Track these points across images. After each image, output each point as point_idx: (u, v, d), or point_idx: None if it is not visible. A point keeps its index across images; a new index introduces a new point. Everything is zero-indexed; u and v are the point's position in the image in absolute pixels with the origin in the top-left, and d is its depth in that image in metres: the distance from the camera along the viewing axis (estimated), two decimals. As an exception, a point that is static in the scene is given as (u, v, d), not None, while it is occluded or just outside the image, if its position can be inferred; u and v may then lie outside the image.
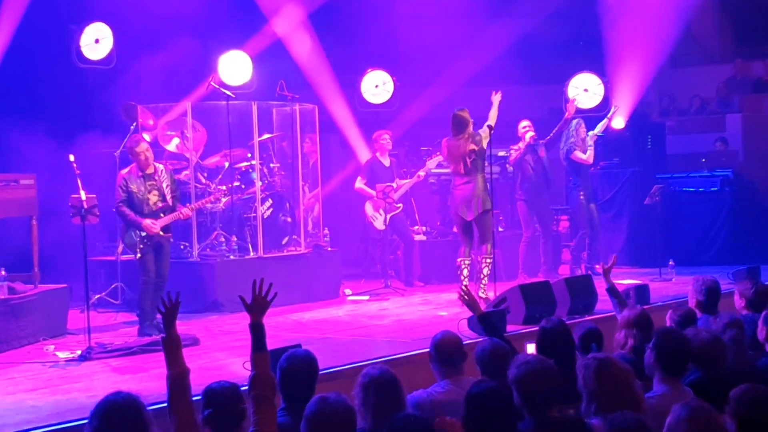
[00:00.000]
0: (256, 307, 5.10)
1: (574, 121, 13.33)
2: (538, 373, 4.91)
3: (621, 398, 4.81)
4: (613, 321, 7.48)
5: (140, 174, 9.86)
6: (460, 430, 4.70)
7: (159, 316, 5.13)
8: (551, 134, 13.14)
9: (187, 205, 10.45)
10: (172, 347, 4.96)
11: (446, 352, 5.90)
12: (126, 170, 9.94)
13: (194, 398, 4.97)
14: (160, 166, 10.11)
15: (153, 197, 9.89)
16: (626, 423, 4.24)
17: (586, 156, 13.32)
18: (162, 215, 9.89)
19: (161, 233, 9.85)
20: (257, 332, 5.08)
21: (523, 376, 4.96)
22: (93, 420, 4.27)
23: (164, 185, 9.96)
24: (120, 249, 9.84)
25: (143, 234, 9.77)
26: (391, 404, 4.96)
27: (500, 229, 12.99)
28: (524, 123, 13.28)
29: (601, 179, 14.83)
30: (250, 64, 13.33)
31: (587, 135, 13.37)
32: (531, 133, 13.08)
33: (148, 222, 9.76)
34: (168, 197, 9.95)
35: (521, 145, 13.16)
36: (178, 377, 4.89)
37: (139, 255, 9.79)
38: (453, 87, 16.50)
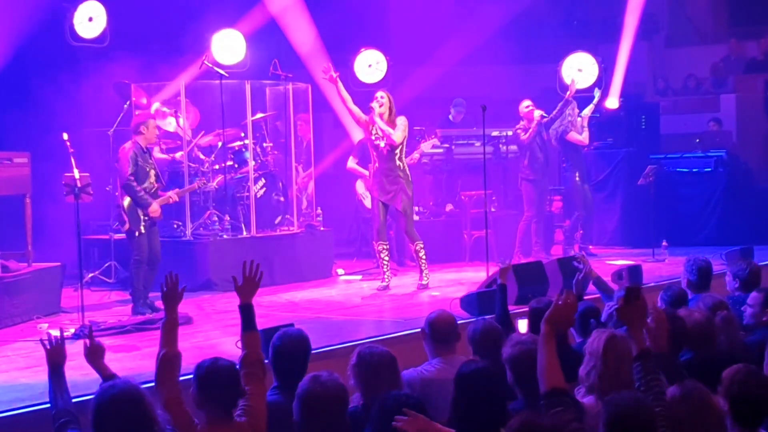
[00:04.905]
0: (246, 288, 5.16)
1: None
2: (533, 353, 4.92)
3: (616, 372, 4.84)
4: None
5: (144, 151, 9.88)
6: None
7: (158, 294, 5.09)
8: (553, 113, 12.87)
9: (176, 190, 10.47)
10: (171, 328, 4.96)
11: (440, 330, 5.90)
12: (129, 144, 9.92)
13: (185, 377, 4.97)
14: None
15: (152, 176, 9.93)
16: (624, 404, 4.22)
17: (582, 137, 13.23)
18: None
19: None
20: (247, 313, 5.15)
21: (517, 356, 4.98)
22: (96, 417, 4.19)
23: (155, 166, 10.03)
24: (127, 226, 9.82)
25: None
26: (386, 383, 4.97)
27: (492, 209, 12.90)
28: (527, 102, 12.96)
29: (594, 159, 14.80)
30: (244, 43, 13.29)
31: (579, 116, 13.26)
32: (539, 111, 12.78)
33: (156, 207, 9.77)
34: (161, 179, 9.99)
35: (524, 123, 12.89)
36: (172, 356, 4.88)
37: (143, 231, 9.78)
38: (446, 66, 16.47)
